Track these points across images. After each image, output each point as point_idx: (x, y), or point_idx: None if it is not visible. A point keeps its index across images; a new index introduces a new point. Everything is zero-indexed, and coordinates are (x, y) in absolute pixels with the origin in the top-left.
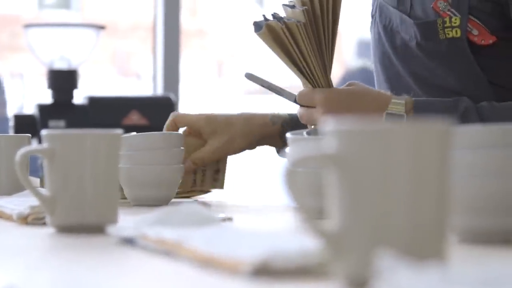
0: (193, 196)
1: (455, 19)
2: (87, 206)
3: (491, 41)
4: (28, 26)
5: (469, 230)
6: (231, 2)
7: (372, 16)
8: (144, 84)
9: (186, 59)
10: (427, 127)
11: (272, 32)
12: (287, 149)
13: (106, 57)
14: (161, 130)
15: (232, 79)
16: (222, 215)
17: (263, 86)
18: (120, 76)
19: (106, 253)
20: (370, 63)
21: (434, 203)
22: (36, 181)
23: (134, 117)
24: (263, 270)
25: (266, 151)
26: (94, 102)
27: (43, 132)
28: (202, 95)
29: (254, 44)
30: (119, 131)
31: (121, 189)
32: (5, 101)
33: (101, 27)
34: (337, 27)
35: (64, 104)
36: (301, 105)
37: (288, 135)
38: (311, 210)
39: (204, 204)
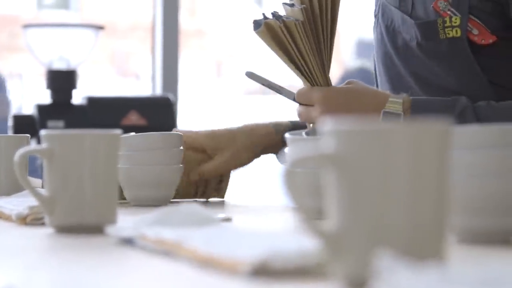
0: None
1: (455, 19)
2: (86, 207)
3: (491, 41)
4: (27, 26)
5: (468, 230)
6: (230, 2)
7: (375, 16)
8: (143, 84)
9: (185, 59)
10: (426, 127)
11: (271, 30)
12: (285, 150)
13: (105, 57)
14: (160, 130)
15: (231, 79)
16: (221, 215)
17: (263, 84)
18: (119, 76)
19: (105, 253)
20: (369, 63)
21: (433, 203)
22: (38, 182)
23: (133, 117)
24: (262, 270)
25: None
26: (93, 102)
27: (42, 132)
28: (201, 95)
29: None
30: (118, 131)
31: (120, 190)
32: (9, 101)
33: (100, 27)
34: (335, 26)
35: (63, 104)
36: (299, 103)
37: (287, 135)
38: (310, 210)
39: (204, 204)
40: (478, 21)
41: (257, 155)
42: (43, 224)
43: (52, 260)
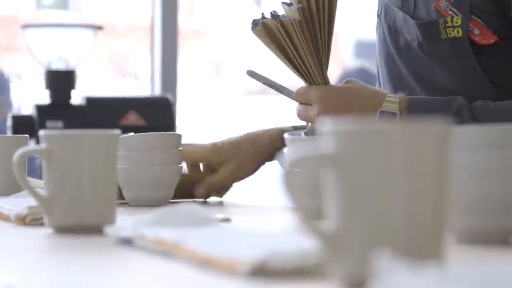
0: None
1: (457, 19)
2: (85, 207)
3: (492, 41)
4: (26, 26)
5: (468, 230)
6: (228, 3)
7: (378, 16)
8: (142, 84)
9: (184, 60)
10: (425, 128)
11: (268, 30)
12: (284, 150)
13: (104, 57)
14: (159, 130)
15: (230, 79)
16: (220, 216)
17: (264, 83)
18: (118, 77)
19: (104, 254)
20: (368, 63)
21: (432, 203)
22: (39, 183)
23: (132, 118)
24: (261, 271)
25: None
26: (92, 102)
27: (41, 132)
28: (200, 96)
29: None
30: (117, 131)
31: (119, 190)
32: (11, 104)
33: (99, 28)
34: (333, 25)
35: (62, 105)
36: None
37: (286, 135)
38: (309, 211)
39: (202, 204)
40: (480, 21)
41: (262, 163)
42: (42, 224)
43: (51, 260)
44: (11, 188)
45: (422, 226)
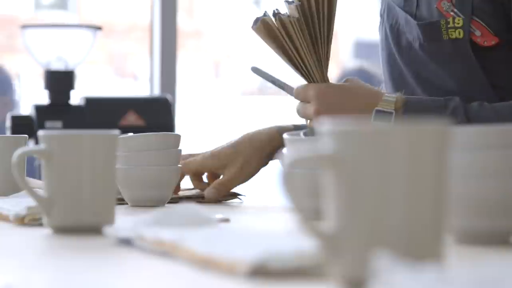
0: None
1: (458, 20)
2: (84, 207)
3: (493, 42)
4: (25, 27)
5: (467, 231)
6: (227, 3)
7: (381, 16)
8: (141, 84)
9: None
10: (425, 128)
11: (267, 27)
12: (283, 150)
13: (103, 58)
14: (158, 130)
15: (229, 79)
16: (219, 216)
17: (267, 80)
18: (117, 77)
19: (103, 254)
20: (367, 64)
21: (431, 204)
22: (39, 183)
23: (131, 118)
24: (260, 271)
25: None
26: (91, 103)
27: (40, 133)
28: (199, 96)
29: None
30: (116, 132)
31: (118, 190)
32: (14, 102)
33: (98, 28)
34: (332, 23)
35: (61, 105)
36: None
37: (285, 135)
38: (307, 211)
39: (201, 204)
40: (481, 23)
41: (265, 162)
42: (41, 224)
43: (50, 261)
44: (10, 189)
45: (421, 226)
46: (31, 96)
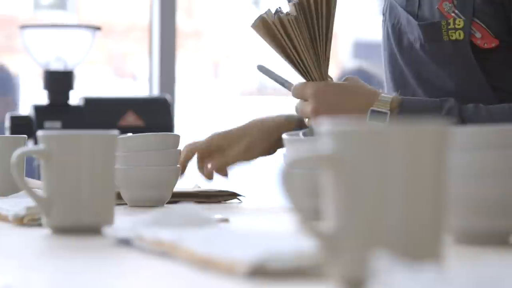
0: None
1: (459, 21)
2: (83, 207)
3: (493, 45)
4: (24, 27)
5: (466, 231)
6: (227, 3)
7: (383, 15)
8: (140, 85)
9: (182, 60)
10: (423, 128)
11: (266, 25)
12: (283, 150)
13: (102, 58)
14: (157, 131)
15: (228, 79)
16: (218, 216)
17: (271, 78)
18: (116, 77)
19: (102, 254)
20: (366, 64)
21: (430, 204)
22: (38, 183)
23: (130, 118)
24: (259, 271)
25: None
26: (90, 103)
27: (39, 133)
28: (198, 96)
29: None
30: (115, 132)
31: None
32: (16, 102)
33: (97, 28)
34: (331, 21)
35: (60, 105)
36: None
37: (284, 136)
38: (307, 211)
39: (201, 204)
40: (482, 25)
41: (273, 147)
42: (40, 225)
43: (49, 261)
44: (9, 189)
45: (420, 226)
46: (30, 96)
